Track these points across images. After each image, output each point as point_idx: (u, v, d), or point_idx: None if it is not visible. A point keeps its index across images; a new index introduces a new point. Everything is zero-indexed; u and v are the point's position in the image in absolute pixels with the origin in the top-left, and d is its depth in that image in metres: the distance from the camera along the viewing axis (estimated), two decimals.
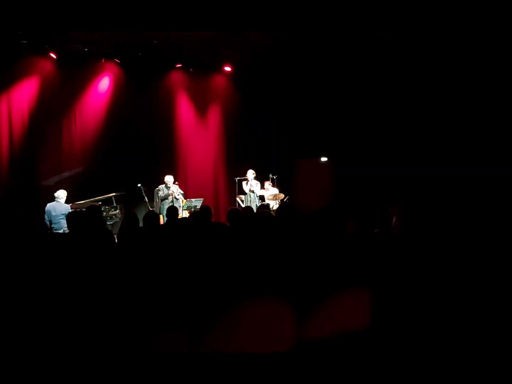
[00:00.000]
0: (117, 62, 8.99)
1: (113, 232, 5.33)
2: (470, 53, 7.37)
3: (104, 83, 8.94)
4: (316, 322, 2.11)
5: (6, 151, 8.07)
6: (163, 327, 1.97)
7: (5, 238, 3.25)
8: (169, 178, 8.33)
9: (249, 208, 5.83)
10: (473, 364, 1.93)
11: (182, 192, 8.56)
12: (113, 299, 2.16)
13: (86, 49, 8.45)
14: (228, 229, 3.87)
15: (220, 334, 1.98)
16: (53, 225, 6.77)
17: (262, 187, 9.05)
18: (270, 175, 9.02)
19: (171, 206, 5.48)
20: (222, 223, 4.08)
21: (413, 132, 8.33)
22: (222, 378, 1.88)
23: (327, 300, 2.15)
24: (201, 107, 9.88)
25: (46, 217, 6.82)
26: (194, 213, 4.78)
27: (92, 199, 7.83)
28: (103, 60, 8.85)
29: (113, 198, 8.23)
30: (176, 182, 8.48)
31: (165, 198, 8.27)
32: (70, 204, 7.17)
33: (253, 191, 8.92)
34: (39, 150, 8.35)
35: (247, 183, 9.01)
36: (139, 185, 8.25)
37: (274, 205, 8.47)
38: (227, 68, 9.88)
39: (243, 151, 9.98)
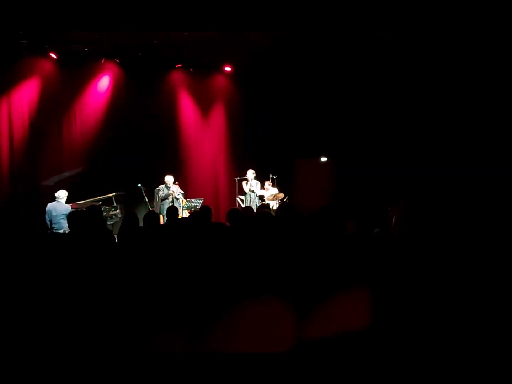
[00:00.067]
0: (117, 62, 8.99)
1: (113, 232, 5.33)
2: (470, 53, 7.37)
3: (104, 83, 8.94)
4: (316, 322, 2.11)
5: (7, 151, 8.07)
6: (163, 327, 1.97)
7: (5, 238, 3.25)
8: (169, 178, 8.33)
9: (249, 208, 5.83)
10: (473, 364, 1.93)
11: (182, 192, 8.56)
12: (113, 299, 2.16)
13: (86, 49, 8.46)
14: (228, 229, 3.87)
15: (220, 334, 1.98)
16: (53, 225, 6.77)
17: (262, 187, 9.05)
18: (270, 175, 9.02)
19: (171, 206, 5.49)
20: (222, 223, 4.08)
21: (413, 132, 8.33)
22: (222, 378, 1.88)
23: (327, 300, 2.15)
24: (200, 107, 9.88)
25: (46, 217, 6.83)
26: (194, 213, 4.78)
27: (92, 199, 7.83)
28: (103, 60, 8.85)
29: (113, 198, 8.23)
30: (176, 182, 8.48)
31: (165, 198, 8.28)
32: (71, 204, 7.18)
33: (253, 191, 8.92)
34: (39, 150, 8.35)
35: (247, 183, 9.01)
36: (139, 185, 8.25)
37: (274, 205, 8.47)
38: (227, 68, 9.88)
39: (243, 151, 9.99)
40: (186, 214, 8.08)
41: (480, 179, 6.45)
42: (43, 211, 6.89)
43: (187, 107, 9.76)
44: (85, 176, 8.52)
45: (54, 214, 6.81)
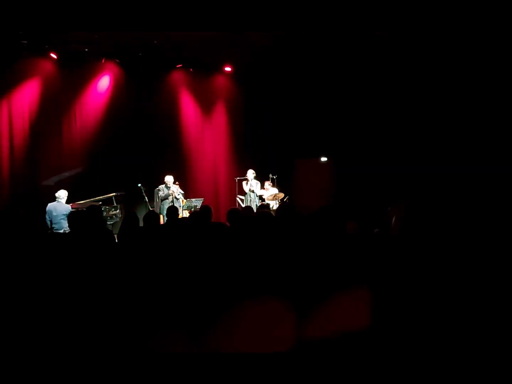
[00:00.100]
0: (117, 62, 8.99)
1: (114, 232, 5.33)
2: (470, 53, 7.37)
3: (104, 83, 8.94)
4: (316, 322, 2.11)
5: (7, 152, 8.07)
6: (163, 327, 1.97)
7: (5, 238, 3.25)
8: (169, 178, 8.33)
9: (249, 208, 5.83)
10: (473, 364, 1.93)
11: (182, 192, 8.56)
12: (113, 299, 2.16)
13: (86, 49, 8.46)
14: (228, 229, 3.87)
15: (220, 334, 1.98)
16: (53, 225, 6.78)
17: (262, 187, 9.05)
18: (270, 175, 9.03)
19: (171, 206, 5.49)
20: (222, 223, 4.08)
21: (413, 132, 8.33)
22: (222, 378, 1.88)
23: (327, 300, 2.15)
24: (200, 107, 9.89)
25: (47, 217, 6.84)
26: (194, 213, 4.78)
27: (92, 199, 7.83)
28: (103, 60, 8.85)
29: (113, 198, 8.23)
30: (176, 182, 8.47)
31: (165, 198, 8.27)
32: (71, 204, 7.18)
33: (253, 191, 8.92)
34: (40, 150, 8.35)
35: (247, 183, 9.01)
36: (139, 185, 8.25)
37: (274, 205, 8.47)
38: (227, 68, 9.88)
39: (243, 151, 9.99)
40: (186, 214, 8.08)
41: (480, 179, 6.45)
42: (43, 211, 6.89)
43: (186, 107, 9.77)
44: (85, 176, 8.52)
45: (54, 214, 6.81)
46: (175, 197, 8.28)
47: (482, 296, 2.10)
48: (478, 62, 7.37)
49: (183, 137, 9.70)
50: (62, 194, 7.02)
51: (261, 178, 9.08)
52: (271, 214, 3.80)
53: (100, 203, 7.81)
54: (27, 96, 8.25)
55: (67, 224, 6.36)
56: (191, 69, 9.68)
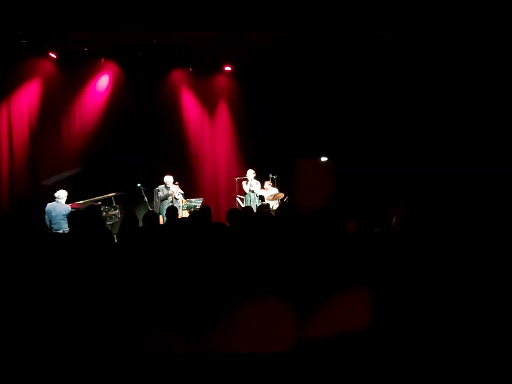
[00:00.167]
0: (117, 61, 8.98)
1: (113, 232, 5.32)
2: (470, 53, 7.37)
3: (103, 82, 8.93)
4: (316, 322, 2.11)
5: (6, 151, 8.07)
6: (163, 327, 1.97)
7: (4, 238, 3.25)
8: (168, 178, 8.29)
9: (249, 208, 5.83)
10: (473, 364, 1.93)
11: (182, 192, 8.54)
12: (113, 299, 2.16)
13: (85, 49, 8.46)
14: (228, 229, 3.87)
15: (220, 334, 1.98)
16: (53, 225, 6.77)
17: (262, 187, 9.04)
18: (270, 175, 9.02)
19: (170, 206, 5.49)
20: (222, 223, 4.08)
21: (413, 132, 8.33)
22: (222, 378, 1.87)
23: (327, 300, 2.15)
24: (200, 107, 9.88)
25: (46, 217, 6.83)
26: (194, 213, 4.78)
27: (91, 199, 7.82)
28: (103, 60, 8.85)
29: (112, 198, 8.22)
30: (176, 182, 8.45)
31: (165, 198, 8.24)
32: (70, 204, 7.17)
33: (253, 191, 8.92)
34: (39, 150, 8.35)
35: (247, 183, 9.01)
36: (138, 185, 8.23)
37: (274, 205, 8.46)
38: (227, 68, 9.88)
39: (243, 151, 9.98)
40: (186, 214, 8.06)
41: (480, 179, 6.45)
42: (43, 211, 6.88)
43: (186, 107, 9.76)
44: (85, 176, 8.52)
45: (53, 214, 6.80)
46: (175, 197, 8.26)
47: (482, 296, 2.10)
48: (478, 62, 7.37)
49: (183, 137, 9.69)
50: (62, 194, 7.01)
51: (261, 178, 9.08)
52: (271, 214, 3.80)
53: (100, 203, 7.80)
54: (26, 95, 8.25)
55: (66, 224, 6.37)
56: (190, 69, 9.67)
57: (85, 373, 1.87)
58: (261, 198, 8.93)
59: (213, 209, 4.32)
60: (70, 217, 3.83)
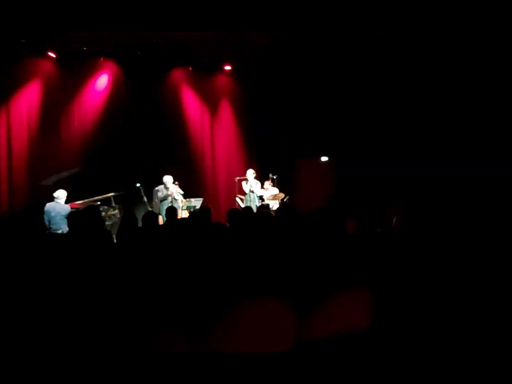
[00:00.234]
0: (116, 61, 8.97)
1: (112, 232, 5.32)
2: (470, 53, 7.37)
3: (103, 81, 8.92)
4: (316, 322, 2.11)
5: (5, 151, 8.07)
6: (163, 327, 1.97)
7: (4, 238, 3.24)
8: (167, 178, 8.23)
9: (249, 208, 5.82)
10: (473, 364, 1.92)
11: (182, 192, 8.51)
12: (113, 299, 2.16)
13: (85, 48, 8.45)
14: (228, 229, 3.86)
15: (220, 334, 1.98)
16: (52, 226, 6.75)
17: (262, 187, 9.04)
18: (270, 175, 9.02)
19: (170, 206, 5.48)
20: (222, 223, 4.08)
21: (413, 132, 8.33)
22: (222, 378, 1.87)
23: (327, 300, 2.15)
24: (200, 107, 9.87)
25: (45, 217, 6.81)
26: (193, 213, 4.78)
27: (91, 199, 7.80)
28: (102, 59, 8.84)
29: (112, 198, 8.20)
30: (176, 182, 8.43)
31: (164, 198, 8.19)
32: (69, 204, 7.16)
33: (253, 191, 8.91)
34: (39, 150, 8.34)
35: (247, 183, 9.00)
36: (138, 185, 8.20)
37: (274, 205, 8.46)
38: (227, 68, 9.88)
39: (243, 150, 9.98)
40: (185, 214, 8.04)
41: (480, 179, 6.45)
42: (42, 211, 6.87)
43: (185, 107, 9.74)
44: (84, 176, 8.50)
45: (52, 214, 6.78)
46: (174, 198, 8.23)
47: (482, 295, 2.10)
48: (478, 62, 7.37)
49: (182, 137, 9.67)
50: (61, 194, 6.99)
51: (261, 178, 9.07)
52: (271, 214, 3.80)
53: (99, 203, 7.79)
54: (25, 95, 8.24)
55: (65, 225, 6.36)
56: (190, 68, 9.66)
57: (85, 373, 1.87)
58: (261, 198, 8.92)
59: (213, 209, 4.32)
60: (70, 217, 3.82)
